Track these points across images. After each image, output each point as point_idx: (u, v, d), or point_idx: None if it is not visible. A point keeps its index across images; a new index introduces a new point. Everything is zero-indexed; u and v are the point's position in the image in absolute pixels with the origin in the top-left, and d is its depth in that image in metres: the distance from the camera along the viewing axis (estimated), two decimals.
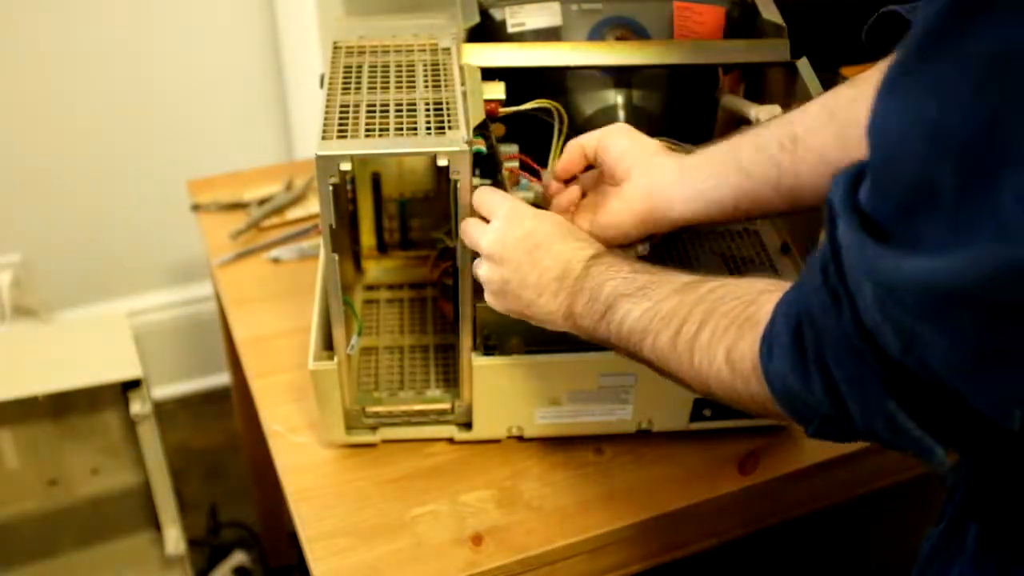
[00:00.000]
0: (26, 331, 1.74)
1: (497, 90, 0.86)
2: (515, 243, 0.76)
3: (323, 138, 0.80)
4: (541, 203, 0.85)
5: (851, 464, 0.99)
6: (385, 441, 0.97)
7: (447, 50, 0.95)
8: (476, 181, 0.82)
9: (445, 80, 0.90)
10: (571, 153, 0.82)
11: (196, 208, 1.34)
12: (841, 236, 0.47)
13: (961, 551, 0.67)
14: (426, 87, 0.88)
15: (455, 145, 0.79)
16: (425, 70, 0.91)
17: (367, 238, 1.12)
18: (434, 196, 1.10)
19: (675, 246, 0.99)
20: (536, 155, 0.89)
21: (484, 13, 0.94)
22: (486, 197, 0.79)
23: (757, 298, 0.59)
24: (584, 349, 0.91)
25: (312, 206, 1.33)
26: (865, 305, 0.46)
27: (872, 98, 0.45)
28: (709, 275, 0.66)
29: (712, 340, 0.60)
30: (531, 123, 0.87)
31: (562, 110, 0.86)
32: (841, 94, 0.74)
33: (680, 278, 0.67)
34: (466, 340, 0.89)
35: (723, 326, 0.60)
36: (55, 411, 1.35)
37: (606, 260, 0.73)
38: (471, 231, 0.79)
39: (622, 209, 0.79)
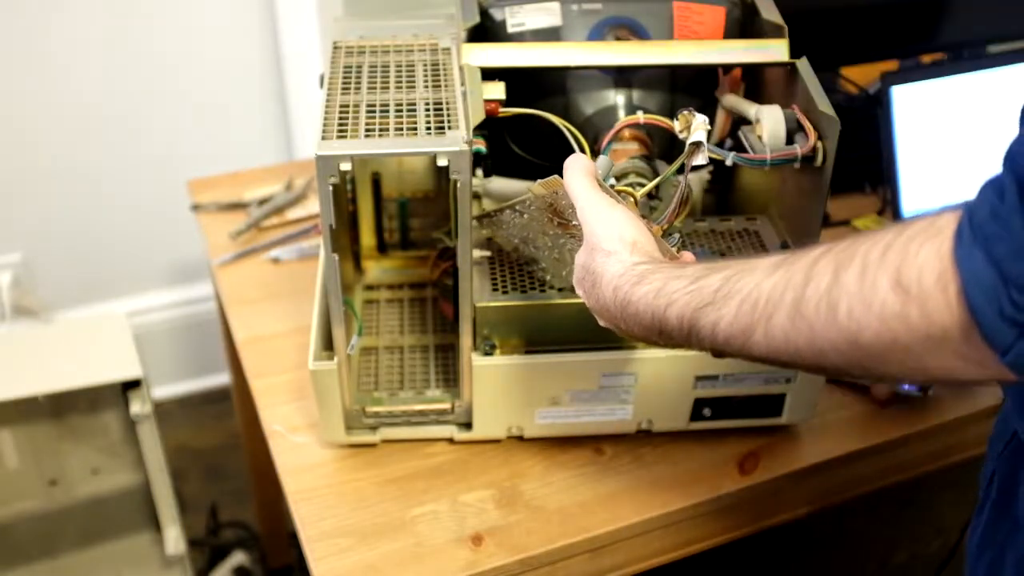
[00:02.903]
0: (26, 331, 1.75)
1: (497, 90, 0.85)
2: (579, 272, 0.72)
3: (323, 138, 0.80)
4: None
5: (852, 464, 0.99)
6: (385, 441, 0.97)
7: (447, 50, 0.95)
8: (477, 181, 0.82)
9: (445, 80, 0.90)
10: None
11: (196, 208, 1.34)
12: None
13: (1015, 529, 0.65)
14: (426, 87, 0.88)
15: (455, 145, 0.79)
16: (425, 70, 0.91)
17: (367, 238, 1.12)
18: (434, 196, 1.10)
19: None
20: (536, 155, 0.89)
21: (484, 13, 0.94)
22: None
23: (920, 219, 0.49)
24: (584, 349, 0.91)
25: (312, 206, 1.33)
26: None
27: None
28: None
29: (865, 276, 0.49)
30: (532, 123, 0.87)
31: (561, 121, 0.86)
32: None
33: (764, 260, 0.57)
34: (466, 340, 0.89)
35: (877, 256, 0.49)
36: (55, 411, 1.35)
37: (648, 280, 0.64)
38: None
39: None
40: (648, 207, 0.84)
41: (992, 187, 0.46)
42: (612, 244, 0.68)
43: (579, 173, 0.73)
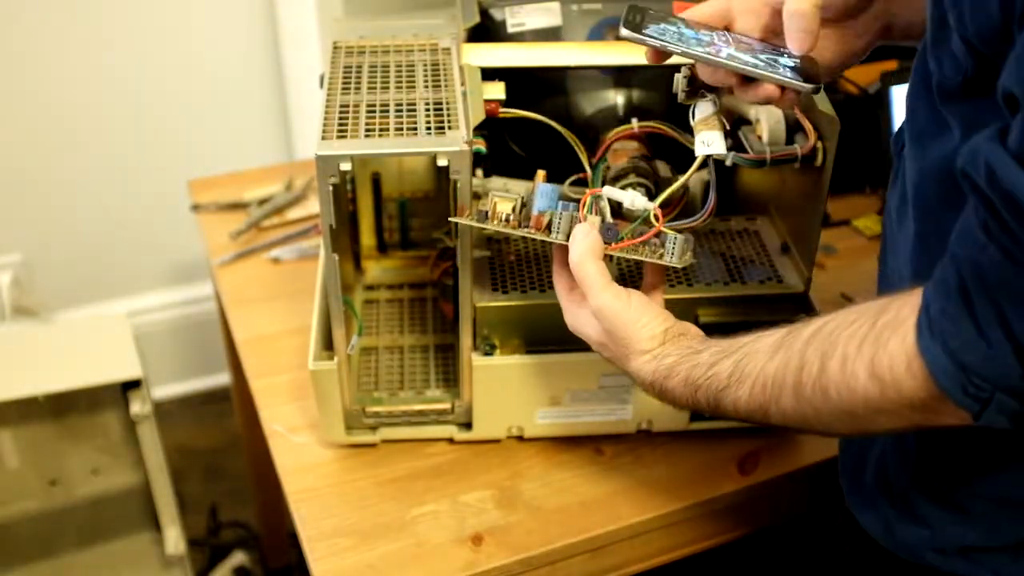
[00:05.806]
0: (26, 331, 1.74)
1: (497, 90, 0.85)
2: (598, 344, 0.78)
3: (323, 138, 0.80)
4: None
5: None
6: (385, 441, 0.97)
7: (447, 50, 0.95)
8: (477, 181, 0.81)
9: (445, 80, 0.90)
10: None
11: (196, 208, 1.34)
12: (1005, 181, 0.47)
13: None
14: (426, 87, 0.88)
15: (455, 145, 0.79)
16: (425, 70, 0.91)
17: (367, 238, 1.12)
18: (434, 196, 1.10)
19: None
20: (536, 155, 0.89)
21: (484, 13, 0.94)
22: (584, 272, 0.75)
23: (887, 306, 0.57)
24: (584, 349, 0.91)
25: (312, 206, 1.33)
26: None
27: None
28: (790, 323, 0.64)
29: (845, 367, 0.57)
30: (532, 123, 0.87)
31: (563, 129, 0.86)
32: None
33: (765, 340, 0.64)
34: (466, 340, 0.89)
35: (854, 348, 0.57)
36: (55, 411, 1.35)
37: (675, 372, 0.71)
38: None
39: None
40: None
41: (941, 287, 0.53)
42: (646, 344, 0.73)
43: (589, 257, 0.74)
